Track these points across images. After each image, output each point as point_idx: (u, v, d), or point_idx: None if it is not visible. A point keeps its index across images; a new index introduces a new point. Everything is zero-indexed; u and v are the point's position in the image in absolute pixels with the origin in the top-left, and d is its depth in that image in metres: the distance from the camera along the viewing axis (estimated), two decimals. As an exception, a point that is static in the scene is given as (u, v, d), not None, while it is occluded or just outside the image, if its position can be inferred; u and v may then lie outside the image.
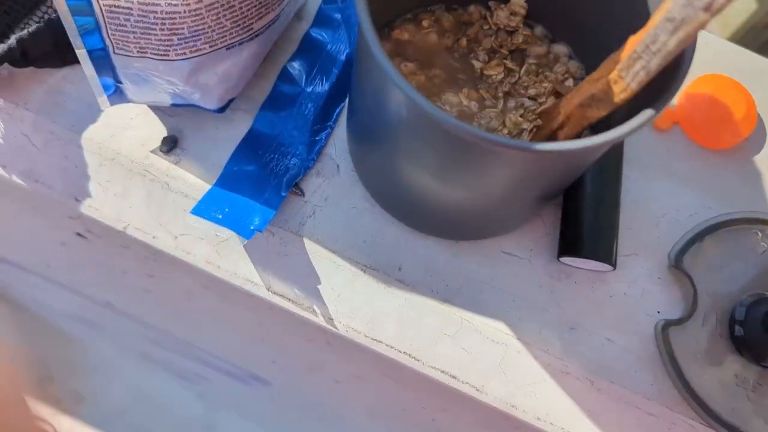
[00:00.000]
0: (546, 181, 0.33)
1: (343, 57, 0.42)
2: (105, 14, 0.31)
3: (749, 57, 0.48)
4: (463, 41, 0.40)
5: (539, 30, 0.41)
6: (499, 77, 0.39)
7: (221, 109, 0.39)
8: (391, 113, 0.31)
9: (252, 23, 0.35)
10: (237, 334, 0.42)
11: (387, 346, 0.39)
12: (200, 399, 0.63)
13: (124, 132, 0.40)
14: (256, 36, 0.36)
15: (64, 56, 0.39)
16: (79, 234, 0.43)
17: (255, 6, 0.34)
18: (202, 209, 0.37)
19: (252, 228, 0.37)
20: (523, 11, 0.40)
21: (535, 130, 0.35)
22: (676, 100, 0.45)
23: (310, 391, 0.57)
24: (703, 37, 0.48)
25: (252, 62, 0.38)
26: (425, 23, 0.40)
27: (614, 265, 0.40)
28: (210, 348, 0.58)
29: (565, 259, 0.40)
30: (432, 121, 0.26)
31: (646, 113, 0.27)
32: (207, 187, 0.40)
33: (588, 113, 0.30)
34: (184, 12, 0.31)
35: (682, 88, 0.45)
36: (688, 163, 0.45)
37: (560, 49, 0.40)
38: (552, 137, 0.33)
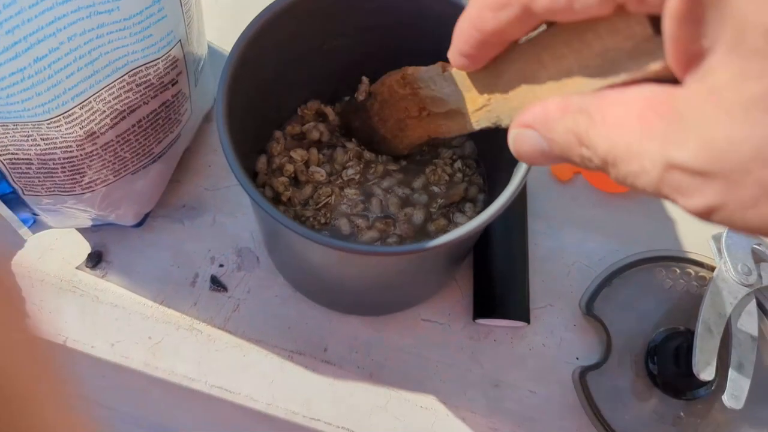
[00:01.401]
0: (435, 263, 0.35)
1: None
2: (7, 166, 0.33)
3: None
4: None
5: None
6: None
7: (139, 224, 0.41)
8: (273, 226, 0.33)
9: (152, 149, 0.37)
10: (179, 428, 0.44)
11: (325, 423, 0.41)
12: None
13: (50, 253, 0.42)
14: (160, 157, 0.39)
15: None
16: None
17: (151, 135, 0.36)
18: None
19: None
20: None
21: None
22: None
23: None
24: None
25: (161, 178, 0.40)
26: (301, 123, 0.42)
27: (528, 321, 0.42)
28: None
29: (481, 320, 0.43)
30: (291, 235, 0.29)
31: (490, 210, 0.30)
32: (134, 296, 0.42)
33: (443, 127, 0.30)
34: (81, 155, 0.34)
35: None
36: (593, 209, 0.47)
37: None
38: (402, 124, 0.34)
